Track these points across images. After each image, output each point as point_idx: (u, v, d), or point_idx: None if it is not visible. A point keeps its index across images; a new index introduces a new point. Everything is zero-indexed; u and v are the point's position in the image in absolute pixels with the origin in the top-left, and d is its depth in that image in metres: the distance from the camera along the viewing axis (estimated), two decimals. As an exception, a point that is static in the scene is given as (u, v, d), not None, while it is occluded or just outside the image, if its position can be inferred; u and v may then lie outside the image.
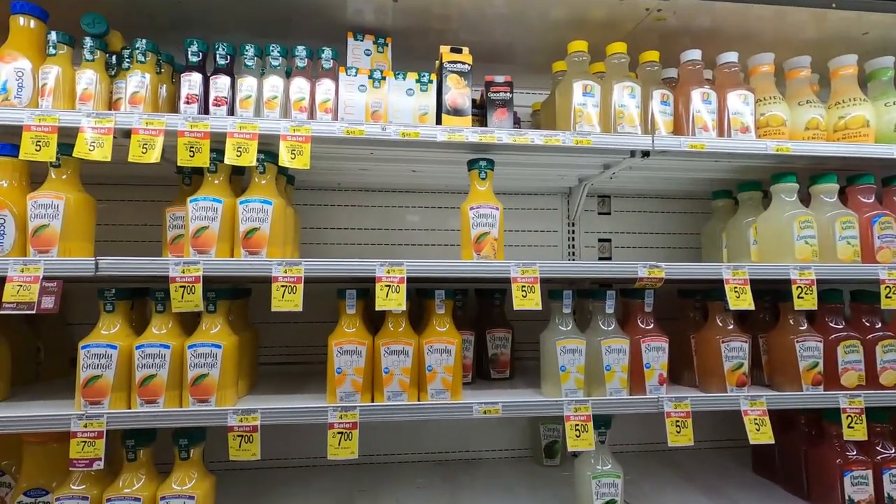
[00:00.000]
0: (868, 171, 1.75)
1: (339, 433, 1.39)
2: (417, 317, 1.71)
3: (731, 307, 1.53)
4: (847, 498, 1.59)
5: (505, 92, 1.69)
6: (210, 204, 1.42)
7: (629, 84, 1.61)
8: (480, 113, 1.81)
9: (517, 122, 2.12)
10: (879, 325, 1.70)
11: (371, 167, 1.87)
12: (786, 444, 1.84)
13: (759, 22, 1.80)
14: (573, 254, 2.29)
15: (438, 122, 1.57)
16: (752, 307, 1.54)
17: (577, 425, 1.48)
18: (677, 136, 1.63)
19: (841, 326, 1.68)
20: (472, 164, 1.59)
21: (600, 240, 2.32)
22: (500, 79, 1.68)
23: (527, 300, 1.45)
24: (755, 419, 1.55)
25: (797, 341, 1.62)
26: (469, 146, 1.57)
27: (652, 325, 1.62)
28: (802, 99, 1.73)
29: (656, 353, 1.56)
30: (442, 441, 2.15)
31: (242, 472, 1.98)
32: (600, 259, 2.31)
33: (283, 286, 1.37)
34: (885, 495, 1.61)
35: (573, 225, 2.29)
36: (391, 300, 1.40)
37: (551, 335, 1.56)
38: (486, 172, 1.57)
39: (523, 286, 1.46)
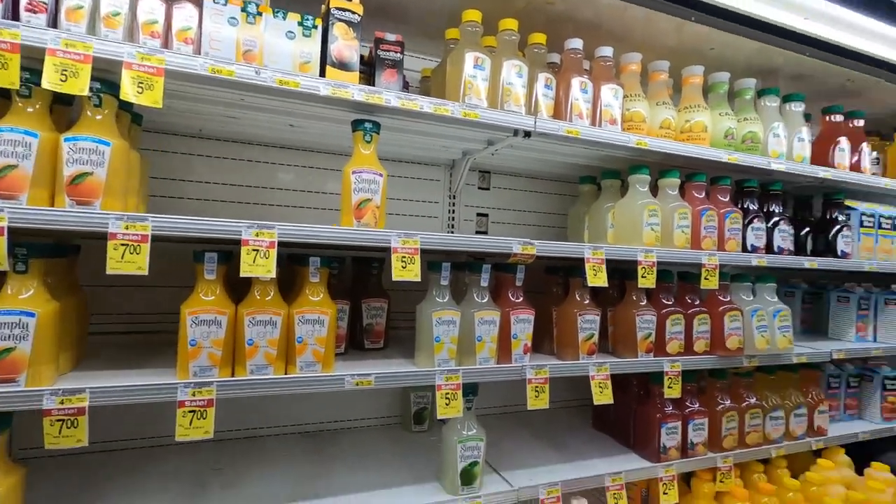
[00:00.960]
0: (702, 171, 2.04)
1: (190, 412, 1.24)
2: (287, 284, 1.59)
3: (589, 284, 1.69)
4: (662, 445, 1.90)
5: (396, 52, 1.60)
6: (20, 137, 1.13)
7: (518, 63, 1.63)
8: (368, 71, 1.71)
9: (406, 87, 2.05)
10: (698, 301, 2.02)
11: (240, 115, 1.66)
12: (619, 403, 2.11)
13: (633, 22, 1.95)
14: (453, 226, 2.33)
15: (322, 73, 1.44)
16: (606, 284, 1.71)
17: (447, 394, 1.52)
18: (557, 120, 1.70)
19: (671, 303, 1.96)
20: (357, 125, 1.49)
21: (478, 214, 2.39)
22: (391, 37, 1.59)
23: (406, 271, 1.43)
24: (600, 383, 1.75)
25: (637, 315, 1.85)
26: (354, 105, 1.47)
27: (521, 299, 1.71)
28: (660, 100, 1.93)
29: (523, 325, 1.67)
30: (310, 412, 2.08)
31: (76, 456, 1.69)
32: (477, 233, 2.38)
33: (123, 245, 1.16)
34: (689, 441, 1.95)
35: (454, 198, 2.32)
36: (259, 266, 1.27)
37: (428, 307, 1.57)
38: (371, 135, 1.49)
39: (403, 257, 1.43)
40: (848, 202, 2.42)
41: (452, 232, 2.31)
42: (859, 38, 2.08)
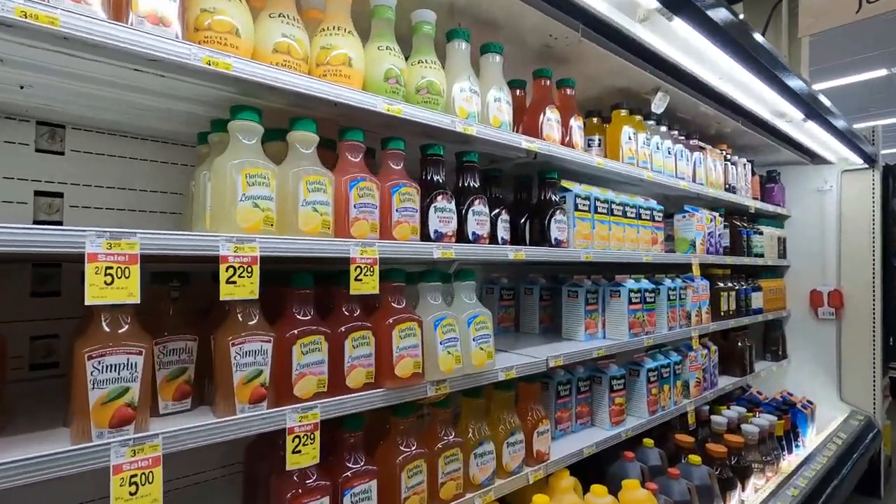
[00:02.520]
0: (359, 127, 1.44)
1: None
2: None
3: (89, 301, 0.92)
4: (293, 542, 1.22)
5: None
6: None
7: None
8: None
9: None
10: (358, 312, 1.40)
11: None
12: (265, 472, 1.41)
13: None
14: (-23, 212, 1.37)
15: None
16: (137, 300, 0.96)
17: None
18: (8, -6, 0.90)
19: (307, 318, 1.30)
20: None
21: (40, 193, 1.47)
22: None
23: None
24: (129, 477, 0.98)
25: (234, 344, 1.15)
26: None
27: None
28: (276, 11, 1.27)
29: None
30: None
31: None
32: (38, 223, 1.46)
33: None
34: (344, 522, 1.32)
35: (-26, 164, 1.37)
36: None
37: None
38: None
39: None
40: (564, 183, 2.11)
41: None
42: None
